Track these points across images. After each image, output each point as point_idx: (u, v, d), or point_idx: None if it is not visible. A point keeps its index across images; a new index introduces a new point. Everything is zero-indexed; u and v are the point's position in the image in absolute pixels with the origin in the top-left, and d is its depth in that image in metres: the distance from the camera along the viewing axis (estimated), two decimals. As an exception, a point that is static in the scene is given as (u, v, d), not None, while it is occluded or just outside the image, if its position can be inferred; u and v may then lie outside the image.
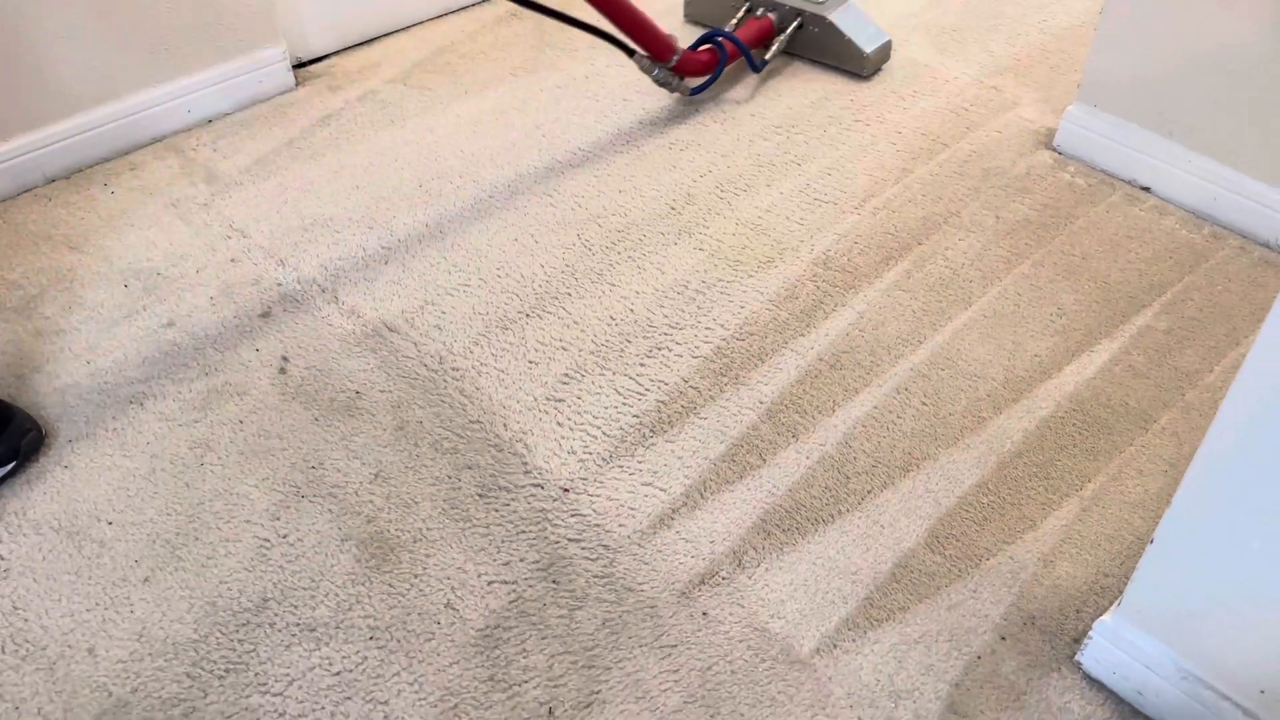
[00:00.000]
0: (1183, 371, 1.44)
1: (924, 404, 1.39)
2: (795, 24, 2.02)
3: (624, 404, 1.39)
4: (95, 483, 1.28)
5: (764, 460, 1.32)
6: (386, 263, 1.60)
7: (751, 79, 2.05)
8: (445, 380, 1.42)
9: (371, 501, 1.26)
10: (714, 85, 1.99)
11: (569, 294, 1.55)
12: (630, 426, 1.36)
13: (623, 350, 1.47)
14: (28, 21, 1.63)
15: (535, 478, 1.30)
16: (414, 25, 2.20)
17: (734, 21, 2.05)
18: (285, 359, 1.44)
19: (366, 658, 1.12)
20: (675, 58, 1.81)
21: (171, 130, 1.88)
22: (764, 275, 1.59)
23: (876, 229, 1.67)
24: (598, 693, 1.09)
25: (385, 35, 2.16)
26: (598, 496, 1.28)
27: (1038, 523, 1.25)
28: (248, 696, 1.08)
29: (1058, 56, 2.10)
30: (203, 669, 1.10)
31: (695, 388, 1.42)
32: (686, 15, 2.20)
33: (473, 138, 1.86)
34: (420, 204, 1.72)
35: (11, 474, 1.28)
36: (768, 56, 2.00)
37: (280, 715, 1.07)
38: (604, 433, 1.36)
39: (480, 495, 1.27)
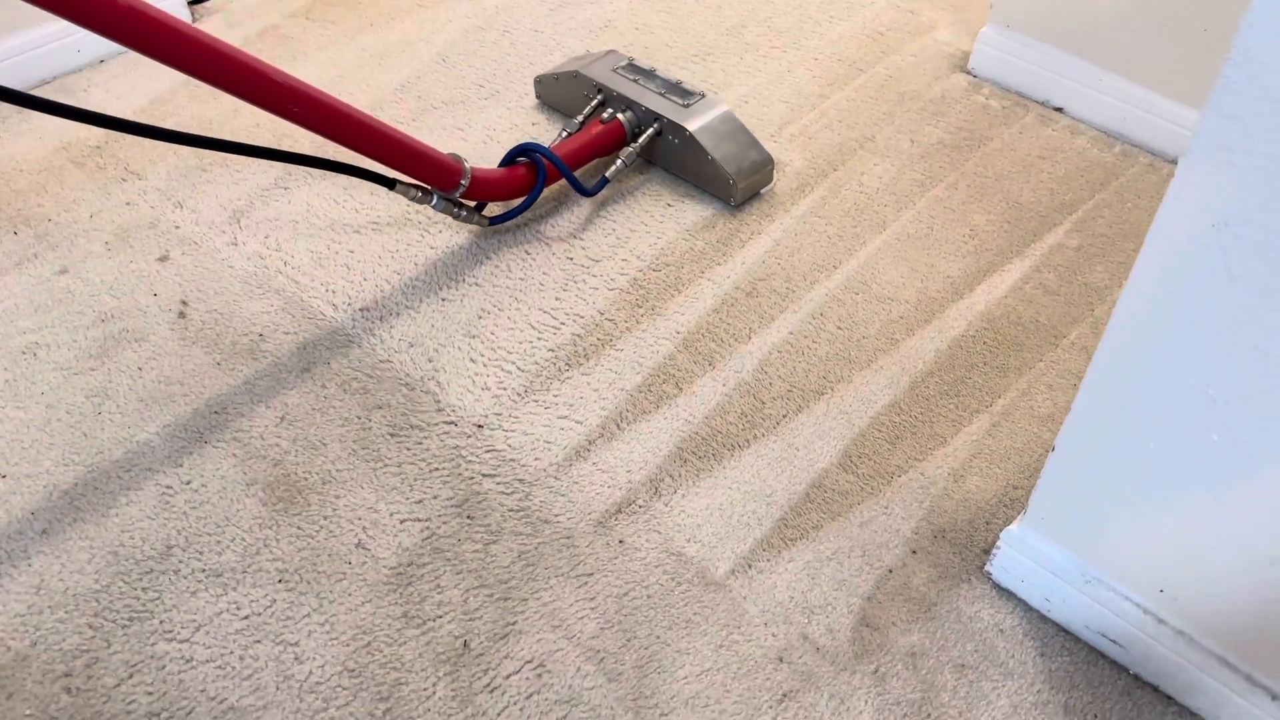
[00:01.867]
0: (1092, 287, 1.46)
1: (838, 328, 1.39)
2: (651, 132, 1.56)
3: (539, 338, 1.37)
4: (-13, 436, 1.23)
5: (680, 389, 1.31)
6: (290, 202, 1.55)
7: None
8: (354, 320, 1.38)
9: (278, 445, 1.23)
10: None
11: (482, 228, 1.52)
12: (545, 361, 1.35)
13: (540, 284, 1.44)
14: (-110, -47, 1.53)
15: (448, 415, 1.27)
16: (317, -43, 2.11)
17: (579, 119, 1.60)
18: (185, 303, 1.39)
19: (275, 600, 1.09)
20: (464, 183, 1.36)
21: (61, 71, 1.79)
22: (682, 204, 1.57)
23: (793, 156, 1.66)
24: (513, 624, 1.08)
25: (286, -32, 2.07)
26: (513, 432, 1.26)
27: (948, 439, 1.26)
28: (153, 644, 1.06)
29: (974, -20, 2.09)
30: (105, 619, 1.07)
31: (611, 320, 1.40)
32: (539, 96, 1.75)
33: (377, 71, 1.80)
34: (323, 141, 1.66)
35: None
36: (609, 174, 1.53)
37: (187, 661, 1.04)
38: (519, 368, 1.33)
39: (391, 434, 1.25)
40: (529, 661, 1.05)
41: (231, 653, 1.05)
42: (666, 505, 1.19)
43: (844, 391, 1.31)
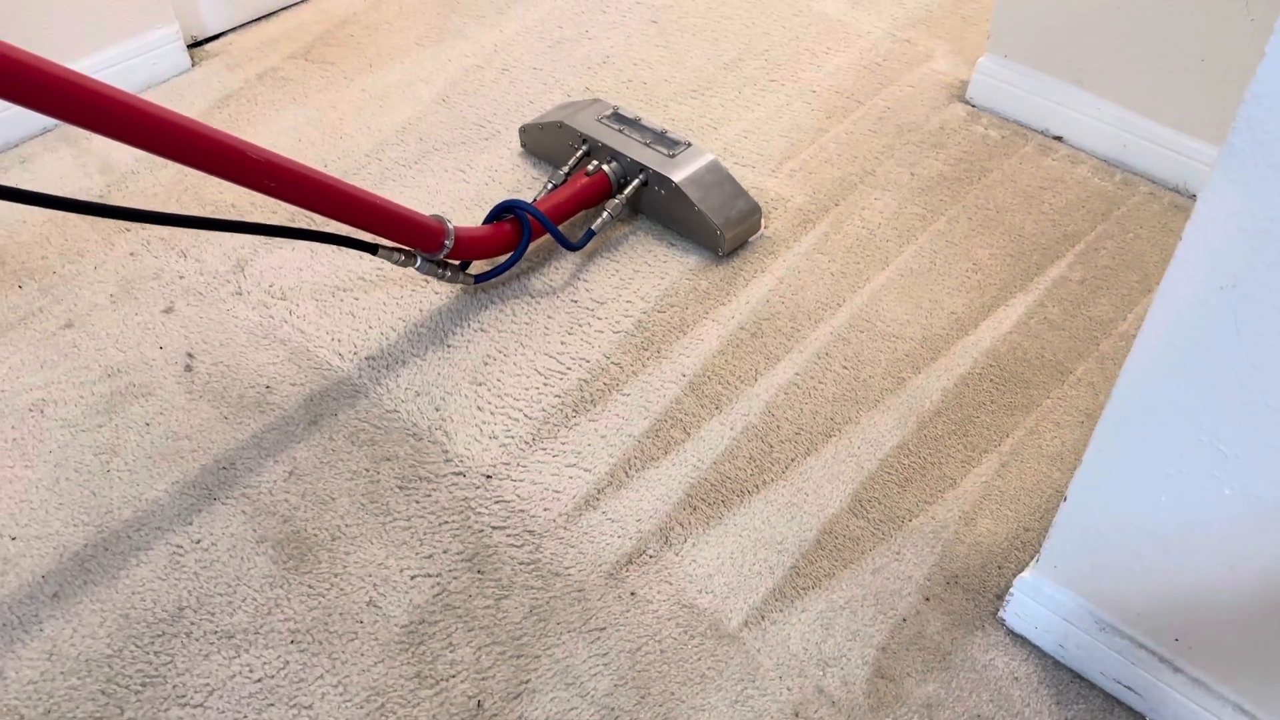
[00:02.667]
0: (1097, 321, 1.46)
1: (844, 368, 1.39)
2: (637, 183, 1.55)
3: (545, 384, 1.37)
4: (-4, 497, 1.23)
5: (688, 434, 1.31)
6: (294, 249, 1.55)
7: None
8: (360, 369, 1.38)
9: (287, 500, 1.23)
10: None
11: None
12: (552, 407, 1.34)
13: (545, 328, 1.45)
14: (-109, 10, 1.54)
15: (456, 466, 1.27)
16: (314, -3, 2.12)
17: (564, 170, 1.58)
18: (191, 356, 1.40)
19: (288, 662, 1.09)
20: (448, 244, 1.34)
21: (61, 118, 1.79)
22: (684, 244, 1.57)
23: (794, 192, 1.66)
24: (527, 682, 1.08)
25: (284, 8, 2.08)
26: (521, 481, 1.26)
27: (958, 481, 1.26)
28: (166, 710, 1.05)
29: (970, 6, 2.09)
30: (118, 684, 1.07)
31: (617, 364, 1.40)
32: (524, 145, 1.74)
33: (378, 113, 1.81)
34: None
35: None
36: (595, 226, 1.51)
37: (201, 727, 1.04)
38: (526, 415, 1.33)
39: (400, 487, 1.25)
40: (543, 720, 1.05)
41: (245, 717, 1.05)
42: (677, 555, 1.19)
43: (852, 433, 1.31)
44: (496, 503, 1.24)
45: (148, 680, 1.07)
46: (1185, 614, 0.97)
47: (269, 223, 1.23)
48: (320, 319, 1.45)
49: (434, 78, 1.90)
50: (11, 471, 1.26)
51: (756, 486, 1.25)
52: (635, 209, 1.63)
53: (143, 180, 1.67)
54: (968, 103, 1.84)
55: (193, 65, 1.92)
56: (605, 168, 1.57)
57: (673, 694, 1.07)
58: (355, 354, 1.40)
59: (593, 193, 1.56)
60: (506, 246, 1.47)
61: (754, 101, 1.85)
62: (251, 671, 1.08)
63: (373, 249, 1.30)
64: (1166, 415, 0.87)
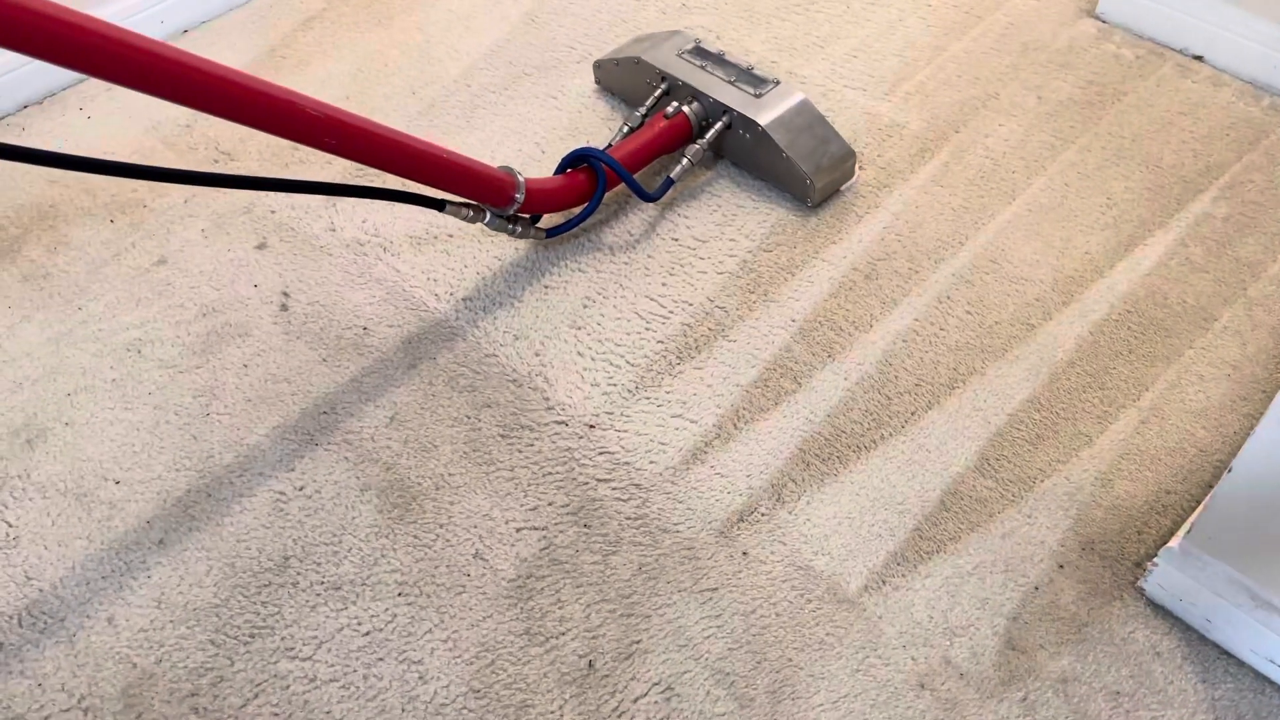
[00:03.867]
0: (1244, 263, 1.34)
1: (968, 313, 1.30)
2: (720, 126, 1.43)
3: (647, 328, 1.31)
4: (99, 439, 1.22)
5: (799, 384, 1.25)
6: (384, 181, 1.50)
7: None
8: (457, 311, 1.33)
9: (389, 447, 1.20)
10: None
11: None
12: (655, 353, 1.29)
13: (645, 268, 1.38)
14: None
15: (558, 414, 1.23)
16: (395, -91, 2.02)
17: (641, 111, 1.47)
18: (286, 294, 1.36)
19: (396, 615, 1.07)
20: (519, 197, 1.26)
21: (144, 43, 1.74)
22: (789, 176, 1.48)
23: (910, 117, 1.55)
24: (638, 642, 1.04)
25: (365, -78, 1.99)
26: (625, 432, 1.21)
27: (1094, 438, 1.18)
28: (276, 662, 1.04)
29: (1099, -92, 1.92)
30: (227, 635, 1.06)
31: (722, 307, 1.33)
32: (598, 81, 1.62)
33: (465, 34, 1.73)
34: (414, 113, 1.60)
35: None
36: (674, 175, 1.41)
37: (311, 681, 1.03)
38: (628, 361, 1.28)
39: (502, 435, 1.21)
40: (656, 684, 1.02)
41: (355, 671, 1.04)
42: (791, 513, 1.13)
43: (977, 385, 1.23)
44: (600, 454, 1.19)
45: (256, 631, 1.06)
46: (1360, 597, 0.90)
47: (331, 182, 1.15)
48: (415, 257, 1.40)
49: (522, -5, 1.80)
50: (112, 413, 1.25)
51: (874, 442, 1.19)
52: (717, 154, 1.51)
53: (229, 109, 1.62)
54: (1098, 18, 1.69)
55: (274, -15, 1.85)
56: (686, 109, 1.44)
57: (790, 660, 1.03)
58: (451, 295, 1.35)
59: (672, 137, 1.45)
60: (580, 198, 1.38)
61: (864, 16, 1.73)
62: (360, 624, 1.07)
63: (440, 205, 1.23)
64: (1366, 388, 0.77)
